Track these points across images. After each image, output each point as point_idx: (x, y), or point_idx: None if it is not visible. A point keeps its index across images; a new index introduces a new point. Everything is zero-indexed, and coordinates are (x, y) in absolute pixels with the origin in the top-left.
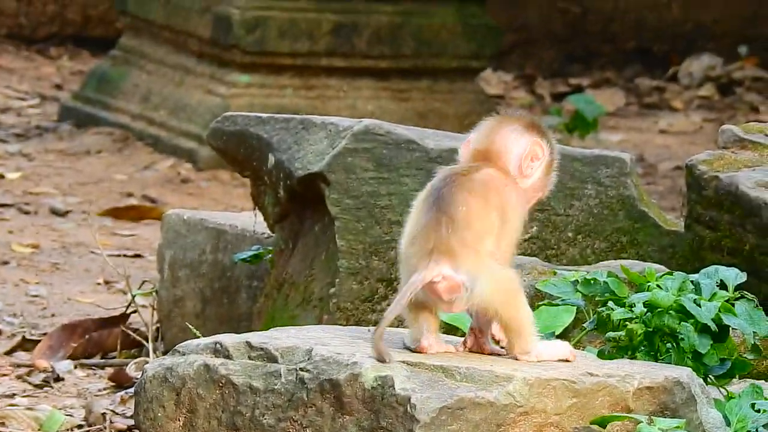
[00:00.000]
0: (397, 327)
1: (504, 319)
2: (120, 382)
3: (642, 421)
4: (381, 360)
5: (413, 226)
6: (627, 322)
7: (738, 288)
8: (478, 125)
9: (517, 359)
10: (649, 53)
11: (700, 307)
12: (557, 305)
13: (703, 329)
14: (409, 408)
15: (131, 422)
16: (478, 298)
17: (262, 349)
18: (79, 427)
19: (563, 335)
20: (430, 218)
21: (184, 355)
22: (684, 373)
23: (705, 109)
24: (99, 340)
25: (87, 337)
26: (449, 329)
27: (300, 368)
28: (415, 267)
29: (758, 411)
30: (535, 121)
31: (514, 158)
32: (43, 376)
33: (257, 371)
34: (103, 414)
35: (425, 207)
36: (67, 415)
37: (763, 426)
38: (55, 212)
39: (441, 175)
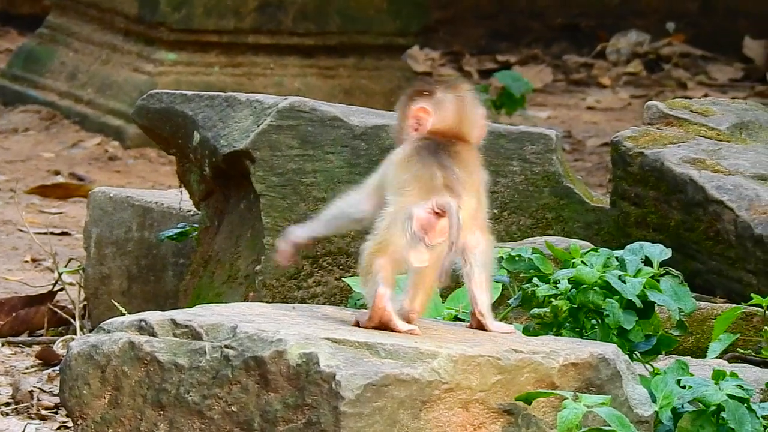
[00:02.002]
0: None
1: (487, 282)
2: (47, 359)
3: (567, 398)
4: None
5: (404, 173)
6: (552, 299)
7: (663, 264)
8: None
9: (488, 329)
10: (576, 29)
11: (625, 283)
12: None
13: (628, 305)
14: (333, 385)
15: (58, 400)
16: (478, 252)
17: (186, 326)
18: (6, 404)
19: None
20: (435, 163)
21: (109, 332)
22: (609, 350)
23: (633, 85)
24: (26, 318)
25: (14, 314)
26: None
27: (225, 345)
28: (419, 199)
29: (684, 387)
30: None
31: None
32: None
33: (182, 348)
34: (31, 392)
35: (420, 158)
36: None
37: (688, 402)
38: None
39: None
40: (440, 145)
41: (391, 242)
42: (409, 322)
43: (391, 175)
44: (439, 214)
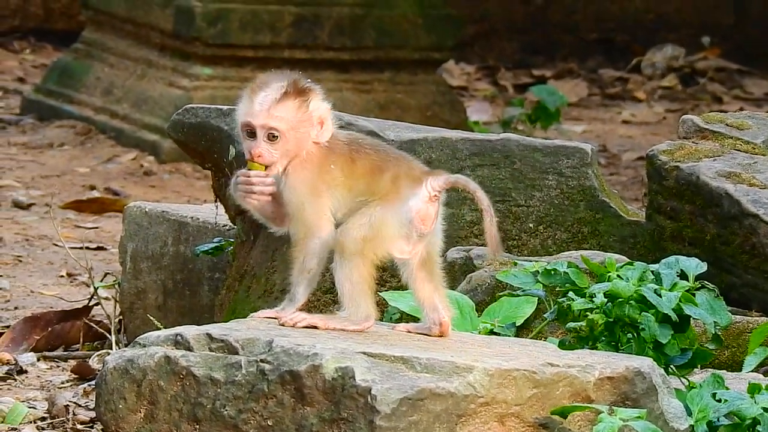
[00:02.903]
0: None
1: None
2: (83, 374)
3: (603, 411)
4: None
5: (379, 158)
6: (588, 313)
7: (699, 278)
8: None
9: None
10: (611, 44)
11: (660, 297)
12: (518, 296)
13: (663, 319)
14: (369, 399)
15: (94, 414)
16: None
17: (222, 340)
18: (42, 419)
19: (524, 326)
20: (405, 155)
21: (144, 347)
22: (645, 363)
23: (668, 99)
24: (62, 333)
25: (50, 329)
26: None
27: (261, 359)
28: (413, 180)
29: (719, 401)
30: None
31: None
32: (6, 368)
33: (218, 363)
34: (66, 406)
35: (385, 148)
36: (30, 407)
37: (724, 416)
38: (17, 205)
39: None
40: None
41: (384, 240)
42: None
43: (347, 181)
44: (433, 199)
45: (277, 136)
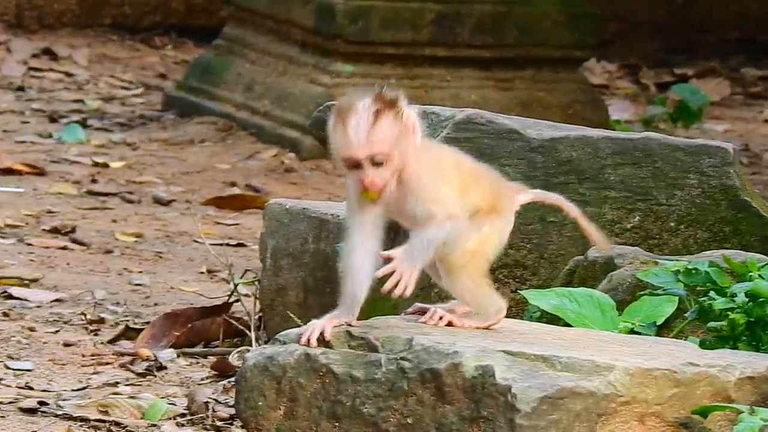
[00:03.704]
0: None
1: None
2: (223, 371)
3: (743, 411)
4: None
5: (478, 167)
6: (729, 312)
7: None
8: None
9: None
10: (753, 43)
11: None
12: (659, 295)
13: None
14: (509, 397)
15: (234, 411)
16: None
17: (362, 338)
18: (182, 415)
19: (665, 325)
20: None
21: (284, 344)
22: None
23: None
24: (202, 329)
25: (190, 325)
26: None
27: (401, 357)
28: (509, 194)
29: None
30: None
31: None
32: (146, 364)
33: (358, 360)
34: (206, 403)
35: (473, 158)
36: (169, 403)
37: None
38: (158, 201)
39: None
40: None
41: (487, 256)
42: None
43: (460, 183)
44: None
45: (382, 161)
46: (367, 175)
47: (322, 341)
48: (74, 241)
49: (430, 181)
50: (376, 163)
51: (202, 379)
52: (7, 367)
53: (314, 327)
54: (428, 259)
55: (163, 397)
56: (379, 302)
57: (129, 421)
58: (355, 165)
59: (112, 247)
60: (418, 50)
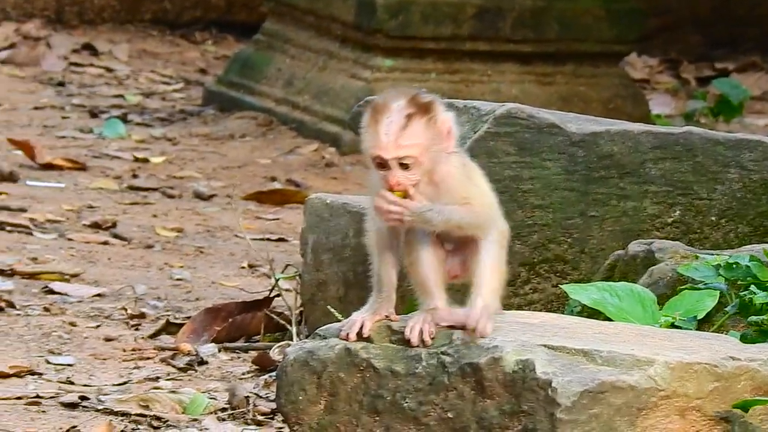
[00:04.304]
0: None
1: None
2: (263, 365)
3: None
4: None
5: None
6: None
7: None
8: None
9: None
10: None
11: None
12: (700, 289)
13: None
14: (550, 392)
15: (274, 405)
16: None
17: (403, 333)
18: (223, 410)
19: (706, 319)
20: None
21: (325, 339)
22: None
23: None
24: (242, 324)
25: (231, 320)
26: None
27: (441, 352)
28: None
29: None
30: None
31: None
32: (186, 359)
33: (398, 355)
34: (247, 397)
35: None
36: (210, 398)
37: None
38: (199, 196)
39: None
40: None
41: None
42: None
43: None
44: None
45: (409, 164)
46: (394, 175)
47: (362, 336)
48: (115, 236)
49: (462, 183)
50: (404, 165)
51: (243, 374)
52: (49, 362)
53: (354, 321)
54: (438, 221)
55: (203, 392)
56: (410, 297)
57: (170, 415)
58: (382, 165)
59: (153, 242)
60: (459, 45)
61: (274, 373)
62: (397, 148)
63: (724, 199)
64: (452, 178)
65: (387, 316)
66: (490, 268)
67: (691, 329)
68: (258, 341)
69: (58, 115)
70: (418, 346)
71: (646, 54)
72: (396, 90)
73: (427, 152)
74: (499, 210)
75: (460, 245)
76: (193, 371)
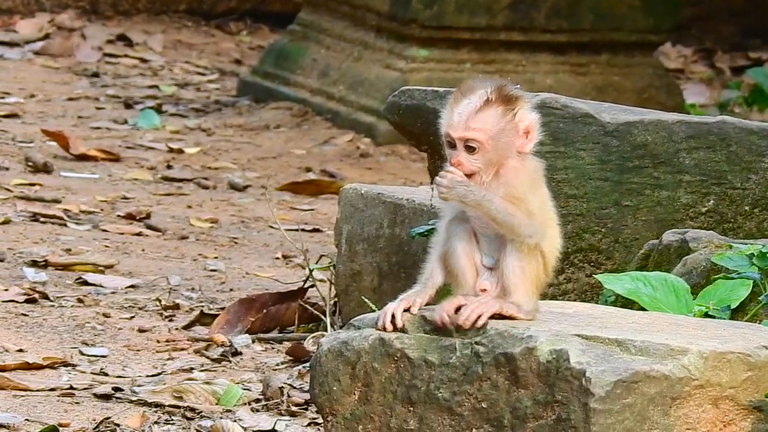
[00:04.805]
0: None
1: None
2: (298, 356)
3: None
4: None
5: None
6: None
7: None
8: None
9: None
10: None
11: None
12: (733, 279)
13: None
14: (584, 381)
15: (308, 396)
16: None
17: (434, 321)
18: (257, 401)
19: (739, 309)
20: None
21: (359, 329)
22: None
23: None
24: (277, 315)
25: (265, 311)
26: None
27: (475, 342)
28: None
29: None
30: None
31: None
32: (221, 350)
33: (432, 345)
34: (281, 388)
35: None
36: (244, 389)
37: None
38: (233, 187)
39: None
40: None
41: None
42: None
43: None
44: None
45: (475, 148)
46: (457, 155)
47: (397, 327)
48: (149, 227)
49: (521, 183)
50: (469, 148)
51: (277, 365)
52: (82, 353)
53: (386, 311)
54: (481, 204)
55: (238, 383)
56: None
57: (204, 406)
58: (451, 143)
59: (187, 233)
60: (494, 35)
61: (308, 364)
62: (466, 129)
63: (758, 188)
64: (515, 176)
65: (417, 301)
66: (520, 270)
67: (724, 318)
68: (292, 332)
69: (93, 106)
70: (442, 327)
71: (680, 44)
72: (491, 79)
73: (493, 141)
74: (552, 227)
75: (497, 262)
76: (227, 362)
